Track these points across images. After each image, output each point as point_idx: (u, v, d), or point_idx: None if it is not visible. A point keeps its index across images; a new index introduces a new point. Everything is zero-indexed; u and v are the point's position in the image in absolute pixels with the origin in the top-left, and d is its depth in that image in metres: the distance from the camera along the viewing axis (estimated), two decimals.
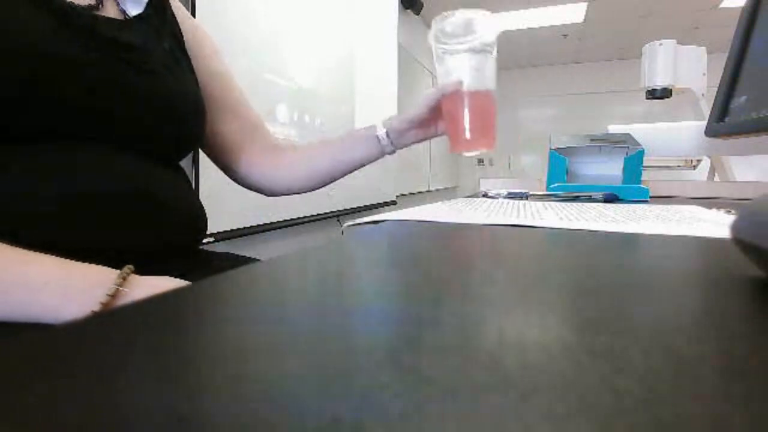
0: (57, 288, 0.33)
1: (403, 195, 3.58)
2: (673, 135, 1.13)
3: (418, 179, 4.20)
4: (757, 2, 0.64)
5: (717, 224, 0.41)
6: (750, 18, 0.64)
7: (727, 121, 0.67)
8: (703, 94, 1.39)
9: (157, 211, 0.43)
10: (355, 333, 0.14)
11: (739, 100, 0.64)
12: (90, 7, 0.42)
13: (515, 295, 0.18)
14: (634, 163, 0.86)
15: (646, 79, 1.41)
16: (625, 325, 0.15)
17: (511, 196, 0.82)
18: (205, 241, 0.67)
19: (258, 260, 0.52)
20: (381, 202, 2.95)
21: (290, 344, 0.13)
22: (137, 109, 0.43)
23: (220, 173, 0.66)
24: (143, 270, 0.37)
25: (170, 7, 0.53)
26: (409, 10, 3.58)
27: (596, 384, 0.10)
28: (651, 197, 0.81)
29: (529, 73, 5.88)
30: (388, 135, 0.60)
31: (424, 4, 3.64)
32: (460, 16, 0.56)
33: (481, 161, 6.24)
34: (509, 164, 6.10)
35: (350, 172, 0.65)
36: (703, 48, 1.38)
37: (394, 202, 3.18)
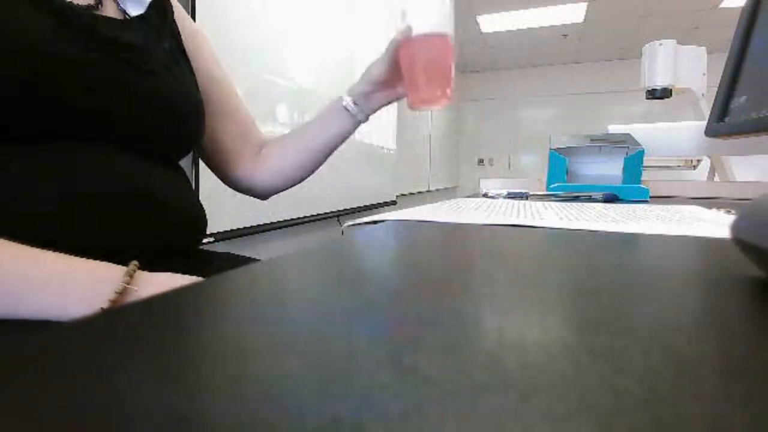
0: (64, 285, 0.33)
1: (403, 195, 3.58)
2: (673, 135, 1.13)
3: (418, 179, 4.20)
4: (757, 2, 0.64)
5: (717, 224, 0.41)
6: (750, 18, 0.64)
7: (727, 121, 0.67)
8: (703, 94, 1.39)
9: (157, 211, 0.44)
10: (355, 333, 0.14)
11: (739, 100, 0.64)
12: (89, 7, 0.42)
13: (515, 295, 0.18)
14: (634, 163, 0.86)
15: (646, 79, 1.41)
16: (625, 325, 0.15)
17: (511, 196, 0.82)
18: (205, 241, 0.67)
19: (258, 260, 0.52)
20: (381, 202, 2.95)
21: (290, 344, 0.13)
22: (137, 109, 0.43)
23: None
24: (143, 270, 0.37)
25: (171, 8, 0.53)
26: None
27: (596, 384, 0.10)
28: (651, 197, 0.81)
29: (529, 73, 5.88)
30: (355, 103, 0.60)
31: None
32: None
33: (481, 161, 6.24)
34: (509, 164, 6.10)
35: (334, 148, 0.64)
36: (703, 48, 1.38)
37: (394, 202, 3.18)
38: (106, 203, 0.39)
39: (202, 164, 1.28)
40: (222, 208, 1.38)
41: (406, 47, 0.54)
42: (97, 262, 0.35)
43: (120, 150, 0.42)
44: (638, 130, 1.03)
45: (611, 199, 0.75)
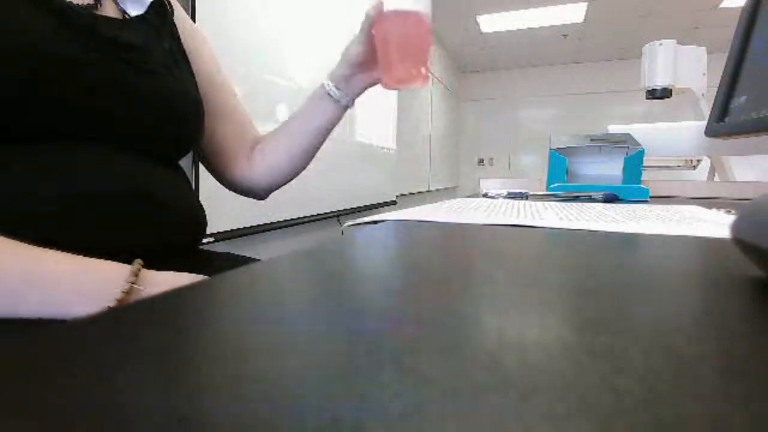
0: (71, 284, 0.33)
1: (403, 195, 3.58)
2: (673, 135, 1.13)
3: (418, 179, 4.20)
4: (757, 2, 0.64)
5: (717, 224, 0.41)
6: (750, 18, 0.64)
7: (727, 121, 0.67)
8: (703, 94, 1.39)
9: (157, 211, 0.44)
10: (355, 333, 0.14)
11: (739, 100, 0.64)
12: (89, 7, 0.42)
13: (515, 295, 0.18)
14: (634, 163, 0.86)
15: (646, 79, 1.41)
16: (625, 325, 0.15)
17: (511, 196, 0.82)
18: (205, 241, 0.67)
19: (258, 260, 0.52)
20: (381, 202, 2.95)
21: (290, 344, 0.13)
22: (137, 109, 0.43)
23: None
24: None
25: (171, 9, 0.53)
26: None
27: (596, 384, 0.10)
28: (651, 197, 0.81)
29: (529, 73, 5.88)
30: (338, 87, 0.59)
31: None
32: None
33: (481, 161, 6.24)
34: (509, 164, 6.10)
35: (324, 137, 0.63)
36: (703, 48, 1.38)
37: (394, 202, 3.18)
38: (106, 203, 0.39)
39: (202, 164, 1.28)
40: (222, 208, 1.38)
41: (380, 23, 0.53)
42: (103, 261, 0.35)
43: (120, 150, 0.42)
44: (638, 130, 1.03)
45: (611, 199, 0.75)
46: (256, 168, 0.63)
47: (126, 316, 0.16)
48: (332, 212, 2.26)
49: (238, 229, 1.55)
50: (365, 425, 0.09)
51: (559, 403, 0.10)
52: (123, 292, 0.34)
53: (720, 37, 3.43)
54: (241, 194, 0.66)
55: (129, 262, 0.36)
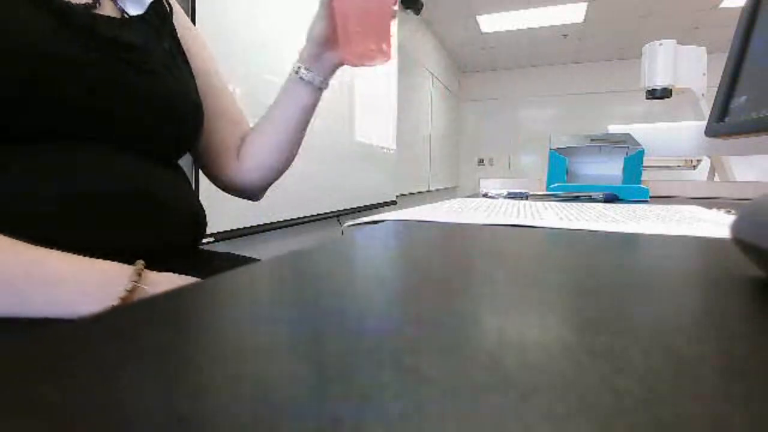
0: (75, 284, 0.33)
1: (403, 195, 3.58)
2: (673, 135, 1.13)
3: (418, 179, 4.20)
4: (757, 2, 0.64)
5: (717, 224, 0.41)
6: (750, 18, 0.64)
7: (727, 121, 0.67)
8: (703, 94, 1.39)
9: (157, 211, 0.44)
10: (355, 333, 0.14)
11: (739, 100, 0.64)
12: (87, 6, 0.42)
13: (515, 295, 0.18)
14: (634, 163, 0.86)
15: (646, 79, 1.41)
16: (625, 325, 0.15)
17: (511, 196, 0.82)
18: (205, 241, 0.67)
19: (258, 260, 0.52)
20: (381, 202, 2.95)
21: (290, 344, 0.13)
22: (137, 109, 0.43)
23: None
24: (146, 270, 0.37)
25: (171, 9, 0.53)
26: (409, 10, 3.58)
27: (596, 384, 0.10)
28: (651, 197, 0.81)
29: (529, 73, 5.88)
30: (308, 69, 0.57)
31: (424, 4, 3.65)
32: None
33: (481, 161, 6.25)
34: (509, 164, 6.10)
35: (305, 123, 0.61)
36: (703, 48, 1.38)
37: (394, 202, 3.18)
38: (106, 203, 0.39)
39: None
40: (222, 208, 1.38)
41: None
42: (106, 262, 0.35)
43: (120, 150, 0.42)
44: (638, 130, 1.03)
45: (611, 199, 0.75)
46: (244, 166, 0.61)
47: (126, 316, 0.16)
48: (332, 212, 2.26)
49: (238, 229, 1.55)
50: (365, 425, 0.09)
51: (559, 403, 0.10)
52: (126, 291, 0.34)
53: (720, 37, 3.43)
54: (235, 194, 0.65)
55: (129, 262, 0.36)
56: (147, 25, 0.47)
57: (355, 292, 0.19)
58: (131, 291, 0.34)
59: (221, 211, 1.39)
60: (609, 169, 0.89)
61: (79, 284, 0.33)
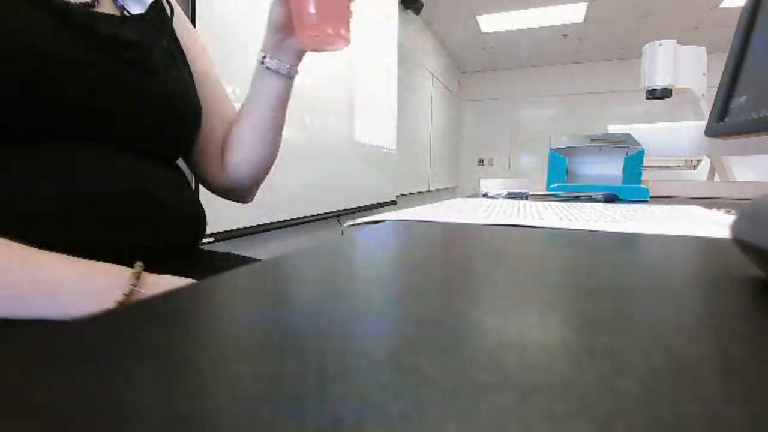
0: (74, 287, 0.33)
1: (403, 195, 3.58)
2: (673, 135, 1.13)
3: (418, 179, 4.21)
4: (757, 2, 0.64)
5: (717, 224, 0.41)
6: (750, 18, 0.64)
7: (727, 121, 0.67)
8: (703, 94, 1.39)
9: (157, 211, 0.44)
10: (355, 333, 0.14)
11: (739, 100, 0.64)
12: (86, 5, 0.42)
13: (515, 295, 0.18)
14: (634, 163, 0.86)
15: (646, 79, 1.41)
16: (625, 325, 0.15)
17: (511, 196, 0.82)
18: (205, 241, 0.67)
19: (258, 260, 0.52)
20: (381, 202, 2.95)
21: (290, 344, 0.13)
22: (137, 109, 0.43)
23: None
24: (144, 270, 0.37)
25: (171, 9, 0.53)
26: (409, 10, 3.58)
27: (596, 384, 0.10)
28: (651, 197, 0.81)
29: (529, 73, 5.88)
30: (273, 57, 0.55)
31: (424, 4, 3.65)
32: None
33: (481, 161, 6.25)
34: (509, 164, 6.10)
35: (281, 115, 0.58)
36: (703, 48, 1.38)
37: (394, 202, 3.18)
38: (106, 203, 0.39)
39: None
40: (222, 208, 1.38)
41: None
42: (105, 264, 0.35)
43: (120, 150, 0.42)
44: (638, 130, 1.03)
45: (611, 199, 0.75)
46: (228, 165, 0.59)
47: (126, 316, 0.16)
48: (332, 212, 2.26)
49: (238, 229, 1.55)
50: (365, 425, 0.09)
51: (559, 403, 0.10)
52: (124, 294, 0.34)
53: (720, 37, 3.43)
54: (225, 196, 0.63)
55: (129, 261, 0.36)
56: (146, 23, 0.47)
57: (355, 292, 0.19)
58: (129, 294, 0.34)
59: (221, 211, 1.39)
60: (609, 169, 0.89)
61: (78, 287, 0.33)
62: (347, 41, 0.51)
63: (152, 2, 0.49)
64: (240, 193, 0.63)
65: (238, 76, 1.52)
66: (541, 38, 4.67)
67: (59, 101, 0.37)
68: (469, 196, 0.84)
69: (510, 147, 6.07)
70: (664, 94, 1.40)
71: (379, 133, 2.88)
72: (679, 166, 1.41)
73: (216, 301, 0.18)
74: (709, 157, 1.29)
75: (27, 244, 0.33)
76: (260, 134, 0.58)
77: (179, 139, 0.51)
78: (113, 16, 0.44)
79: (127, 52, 0.43)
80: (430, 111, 4.55)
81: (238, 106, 0.63)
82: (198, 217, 0.51)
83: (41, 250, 0.33)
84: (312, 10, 0.48)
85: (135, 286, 0.34)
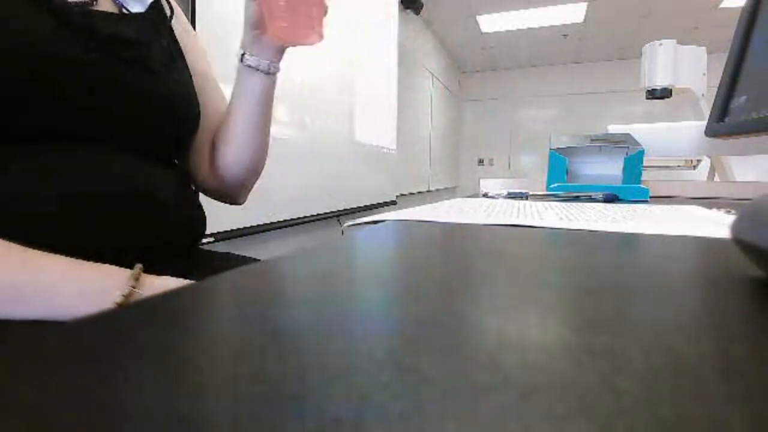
0: (73, 288, 0.33)
1: (403, 195, 3.58)
2: (673, 135, 1.13)
3: (418, 179, 4.20)
4: (757, 2, 0.64)
5: (717, 224, 0.41)
6: (750, 18, 0.64)
7: (727, 121, 0.67)
8: (703, 94, 1.39)
9: (157, 211, 0.44)
10: (355, 333, 0.14)
11: (739, 100, 0.64)
12: (84, 3, 0.42)
13: (515, 295, 0.18)
14: (634, 163, 0.86)
15: (646, 79, 1.41)
16: (625, 325, 0.15)
17: (511, 196, 0.82)
18: (205, 241, 0.66)
19: (258, 260, 0.52)
20: (381, 202, 2.95)
21: (290, 344, 0.13)
22: (137, 109, 0.43)
23: None
24: (144, 270, 0.37)
25: (171, 8, 0.53)
26: (409, 10, 3.58)
27: (596, 384, 0.10)
28: (651, 197, 0.81)
29: (529, 73, 5.88)
30: (251, 54, 0.54)
31: (424, 4, 3.65)
32: None
33: (481, 161, 6.25)
34: (509, 164, 6.10)
35: (266, 112, 0.57)
36: (703, 48, 1.38)
37: (394, 202, 3.18)
38: (106, 203, 0.39)
39: None
40: (222, 208, 1.38)
41: None
42: (104, 266, 0.35)
43: (120, 150, 0.42)
44: (638, 130, 1.03)
45: (611, 199, 0.75)
46: (218, 165, 0.58)
47: (125, 317, 0.16)
48: (332, 212, 2.26)
49: (238, 229, 1.55)
50: (365, 425, 0.09)
51: (559, 403, 0.10)
52: (123, 295, 0.34)
53: (720, 37, 3.43)
54: (216, 198, 0.62)
55: (129, 262, 0.36)
56: (145, 21, 0.47)
57: (355, 292, 0.19)
58: (128, 295, 0.34)
59: (221, 211, 1.39)
60: (609, 169, 0.89)
61: (77, 288, 0.33)
62: (320, 36, 0.50)
63: (152, 2, 0.49)
64: (231, 194, 0.62)
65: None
66: (541, 38, 4.67)
67: (59, 101, 0.37)
68: (469, 196, 0.84)
69: (510, 147, 6.07)
70: (664, 94, 1.40)
71: (379, 133, 2.88)
72: (679, 166, 1.40)
73: (216, 301, 0.18)
74: (709, 157, 1.29)
75: (27, 244, 0.33)
76: (247, 133, 0.57)
77: (179, 139, 0.51)
78: (112, 13, 0.44)
79: (127, 52, 0.43)
80: (430, 111, 4.55)
81: None
82: (198, 217, 0.51)
83: (41, 252, 0.33)
84: (281, 3, 0.47)
85: (134, 287, 0.35)
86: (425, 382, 0.11)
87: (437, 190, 4.89)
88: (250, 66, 0.53)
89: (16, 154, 0.36)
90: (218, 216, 1.38)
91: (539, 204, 0.66)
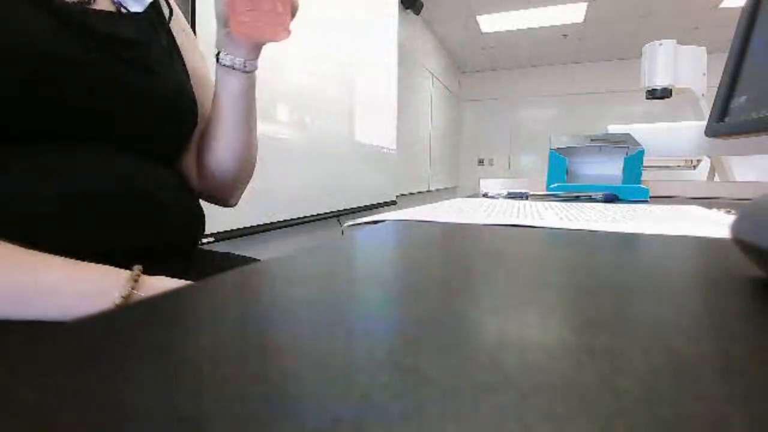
0: (72, 289, 0.33)
1: (403, 195, 3.58)
2: (673, 135, 1.13)
3: (418, 179, 4.20)
4: (757, 2, 0.64)
5: (717, 224, 0.41)
6: (750, 18, 0.64)
7: (727, 121, 0.67)
8: (703, 94, 1.39)
9: (157, 211, 0.44)
10: (355, 333, 0.14)
11: (739, 100, 0.64)
12: (82, 2, 0.42)
13: (515, 295, 0.18)
14: (634, 163, 0.86)
15: (646, 79, 1.41)
16: (625, 325, 0.15)
17: (511, 196, 0.82)
18: (205, 241, 0.66)
19: (258, 260, 0.52)
20: (381, 202, 2.95)
21: (290, 344, 0.13)
22: (137, 109, 0.43)
23: None
24: (143, 270, 0.37)
25: (170, 8, 0.53)
26: (409, 10, 3.58)
27: (596, 384, 0.10)
28: (651, 197, 0.81)
29: (529, 73, 5.88)
30: (226, 53, 0.52)
31: (424, 4, 3.65)
32: None
33: (481, 161, 6.25)
34: (509, 164, 6.10)
35: (249, 110, 0.56)
36: (703, 48, 1.38)
37: (394, 202, 3.18)
38: (106, 203, 0.39)
39: None
40: (222, 208, 1.38)
41: None
42: (103, 267, 0.35)
43: (120, 150, 0.42)
44: (638, 130, 1.03)
45: (611, 199, 0.75)
46: (207, 166, 0.58)
47: (126, 317, 0.16)
48: (332, 212, 2.26)
49: (238, 229, 1.55)
50: (365, 425, 0.09)
51: (559, 403, 0.10)
52: (122, 296, 0.34)
53: (720, 37, 3.43)
54: (207, 200, 0.61)
55: (129, 262, 0.37)
56: (144, 21, 0.47)
57: (355, 292, 0.19)
58: (127, 297, 0.34)
59: (221, 211, 1.39)
60: (609, 169, 0.89)
61: (77, 289, 0.33)
62: (287, 32, 0.49)
63: (151, 1, 0.49)
64: (221, 195, 0.61)
65: None
66: (541, 38, 4.66)
67: (59, 101, 0.37)
68: (469, 196, 0.84)
69: (510, 147, 6.07)
70: (664, 94, 1.40)
71: (379, 133, 2.88)
72: (679, 166, 1.40)
73: (216, 302, 0.18)
74: (709, 157, 1.29)
75: (27, 245, 0.33)
76: (230, 133, 0.56)
77: (179, 139, 0.51)
78: (111, 13, 0.44)
79: (127, 51, 0.43)
80: (430, 111, 4.55)
81: None
82: (198, 217, 0.51)
83: (41, 253, 0.33)
84: None
85: (133, 288, 0.35)
86: (425, 382, 0.11)
87: (437, 190, 4.89)
88: (225, 65, 0.52)
89: (16, 154, 0.36)
90: (218, 216, 1.38)
91: (539, 204, 0.66)
